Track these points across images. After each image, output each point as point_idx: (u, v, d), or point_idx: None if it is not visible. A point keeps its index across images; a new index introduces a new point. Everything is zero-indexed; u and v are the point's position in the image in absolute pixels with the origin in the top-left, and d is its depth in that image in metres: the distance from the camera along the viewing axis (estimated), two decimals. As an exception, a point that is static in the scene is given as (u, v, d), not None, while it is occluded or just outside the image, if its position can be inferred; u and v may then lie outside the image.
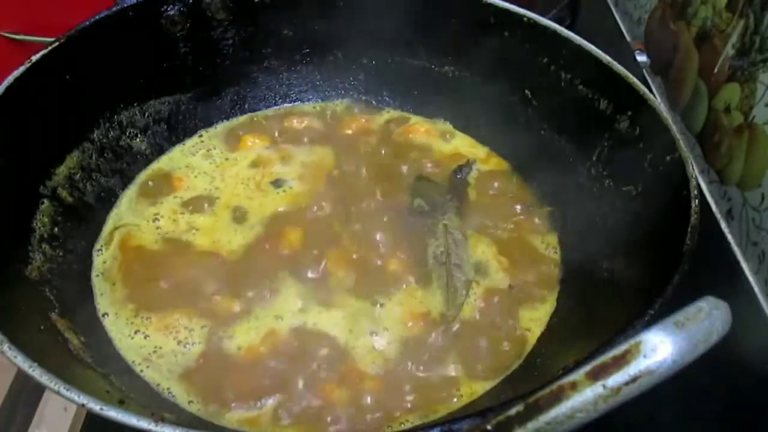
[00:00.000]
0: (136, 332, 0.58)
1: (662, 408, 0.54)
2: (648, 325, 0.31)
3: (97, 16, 0.65)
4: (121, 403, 0.46)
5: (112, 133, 0.70)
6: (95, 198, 0.67)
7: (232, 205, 0.69)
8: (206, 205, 0.69)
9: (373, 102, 0.82)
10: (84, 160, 0.66)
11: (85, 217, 0.66)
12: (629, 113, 0.61)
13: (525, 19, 0.68)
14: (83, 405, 0.40)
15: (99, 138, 0.68)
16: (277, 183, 0.71)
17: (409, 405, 0.54)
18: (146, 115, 0.73)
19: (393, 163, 0.74)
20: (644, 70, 0.96)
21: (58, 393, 0.40)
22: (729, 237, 0.74)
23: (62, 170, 0.64)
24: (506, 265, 0.64)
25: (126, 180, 0.71)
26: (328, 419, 0.53)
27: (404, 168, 0.73)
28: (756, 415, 0.59)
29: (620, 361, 0.31)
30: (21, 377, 0.65)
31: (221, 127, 0.78)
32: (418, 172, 0.73)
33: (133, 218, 0.68)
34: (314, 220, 0.67)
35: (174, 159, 0.74)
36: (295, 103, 0.82)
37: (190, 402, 0.54)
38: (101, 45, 0.66)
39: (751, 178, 0.70)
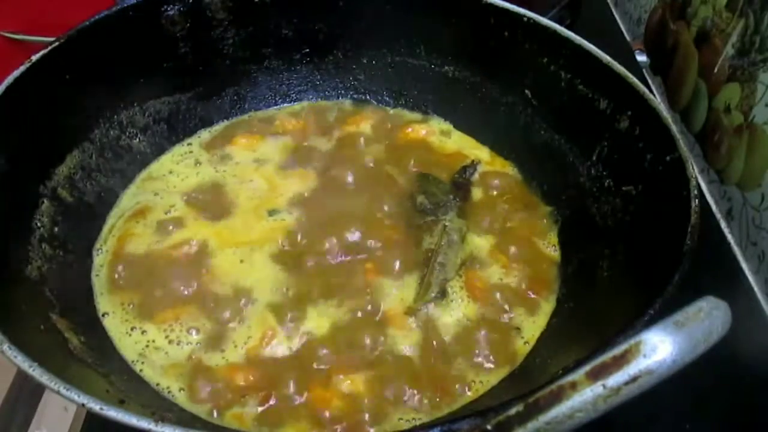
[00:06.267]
0: (133, 329, 0.58)
1: (662, 408, 0.54)
2: (648, 325, 0.31)
3: (97, 16, 0.65)
4: (121, 403, 0.46)
5: (112, 133, 0.70)
6: (95, 198, 0.67)
7: (230, 208, 0.69)
8: (204, 208, 0.69)
9: (374, 102, 0.82)
10: (84, 160, 0.66)
11: (85, 217, 0.65)
12: (629, 113, 0.61)
13: (525, 19, 0.68)
14: (83, 405, 0.40)
15: (99, 138, 0.68)
16: (275, 211, 0.69)
17: (408, 404, 0.54)
18: (146, 115, 0.73)
19: (393, 164, 0.74)
20: (644, 70, 0.96)
21: (58, 393, 0.40)
22: (729, 237, 0.74)
23: (62, 170, 0.64)
24: (506, 264, 0.64)
25: (126, 180, 0.71)
26: (326, 418, 0.53)
27: (404, 168, 0.73)
28: (756, 415, 0.59)
29: (620, 361, 0.31)
30: (21, 377, 0.65)
31: (219, 127, 0.78)
32: (419, 173, 0.72)
33: (133, 218, 0.67)
34: (314, 222, 0.67)
35: (165, 163, 0.74)
36: (295, 103, 0.82)
37: (181, 389, 0.54)
38: (101, 45, 0.66)
39: (751, 178, 0.70)
